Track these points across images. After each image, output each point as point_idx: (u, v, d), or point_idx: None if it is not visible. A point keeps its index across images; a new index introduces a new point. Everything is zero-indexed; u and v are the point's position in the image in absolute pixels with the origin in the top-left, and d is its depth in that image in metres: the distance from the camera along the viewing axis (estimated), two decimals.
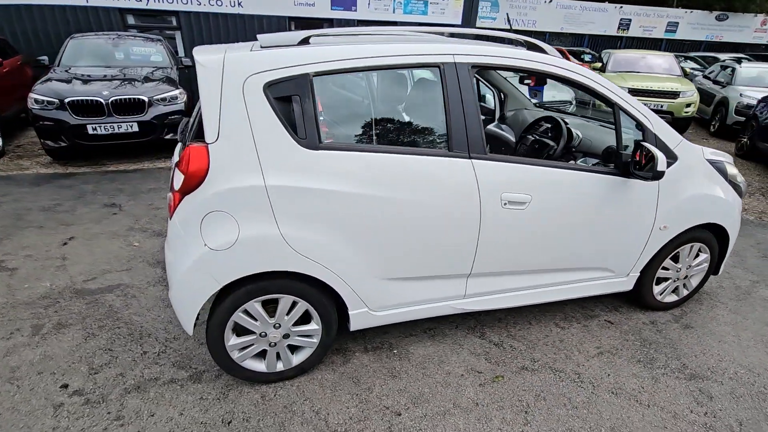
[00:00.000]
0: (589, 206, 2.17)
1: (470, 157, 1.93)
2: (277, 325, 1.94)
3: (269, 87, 1.69)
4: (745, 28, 18.42)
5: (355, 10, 11.21)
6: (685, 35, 18.41)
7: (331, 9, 10.98)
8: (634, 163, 2.08)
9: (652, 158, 1.97)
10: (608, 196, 2.18)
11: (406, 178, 1.87)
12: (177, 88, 5.89)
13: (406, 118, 2.17)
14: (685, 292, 2.76)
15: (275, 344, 1.99)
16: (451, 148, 1.92)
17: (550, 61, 2.03)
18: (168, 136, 5.74)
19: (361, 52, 1.79)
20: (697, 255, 2.64)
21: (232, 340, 1.93)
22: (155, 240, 3.45)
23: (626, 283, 2.54)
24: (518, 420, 1.91)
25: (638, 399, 2.05)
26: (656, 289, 2.65)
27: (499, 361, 2.26)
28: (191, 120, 2.23)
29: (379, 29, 2.14)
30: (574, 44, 17.59)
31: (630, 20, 17.77)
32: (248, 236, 1.72)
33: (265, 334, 1.95)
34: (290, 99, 1.72)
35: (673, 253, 2.54)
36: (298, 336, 2.02)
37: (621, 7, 17.70)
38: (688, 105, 8.04)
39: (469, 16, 12.29)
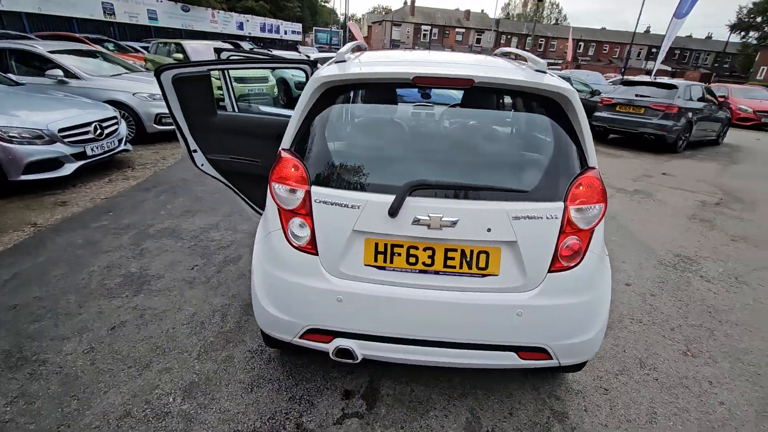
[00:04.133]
0: None
1: None
2: None
3: None
4: (204, 19, 22.58)
5: None
6: (166, 23, 20.08)
7: None
8: None
9: None
10: None
11: None
12: None
13: None
14: None
15: None
16: None
17: None
18: None
19: None
20: None
21: None
22: None
23: None
24: None
25: None
26: None
27: None
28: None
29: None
30: (63, 28, 14.82)
31: (112, 5, 16.98)
32: None
33: None
34: None
35: None
36: None
37: None
38: (274, 86, 10.21)
39: None
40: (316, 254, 1.62)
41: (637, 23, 28.29)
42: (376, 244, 1.59)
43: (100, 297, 2.65)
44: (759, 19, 41.24)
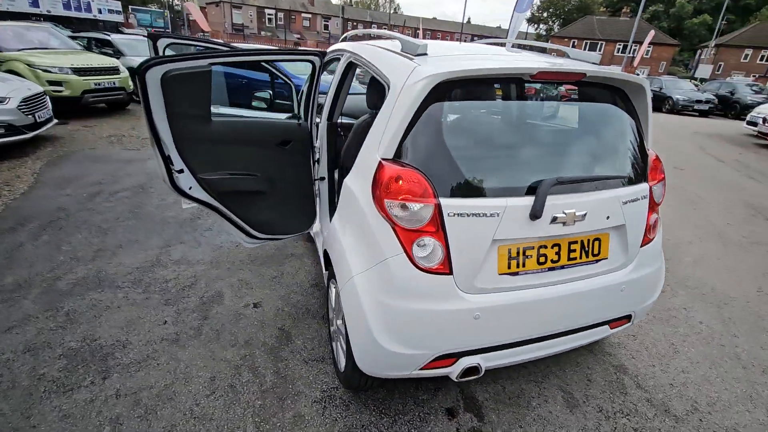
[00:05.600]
0: None
1: None
2: None
3: None
4: None
5: None
6: None
7: None
8: None
9: None
10: None
11: None
12: None
13: None
14: None
15: None
16: None
17: None
18: None
19: None
20: None
21: None
22: None
23: None
24: None
25: None
26: None
27: None
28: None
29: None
30: None
31: None
32: None
33: None
34: None
35: None
36: None
37: None
38: (128, 78, 8.33)
39: None
40: (450, 273, 1.45)
41: (464, 14, 32.28)
42: (509, 250, 1.50)
43: (50, 395, 1.85)
44: (545, 14, 51.90)
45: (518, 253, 1.52)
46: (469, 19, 68.26)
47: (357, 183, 1.60)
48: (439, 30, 54.13)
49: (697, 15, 42.81)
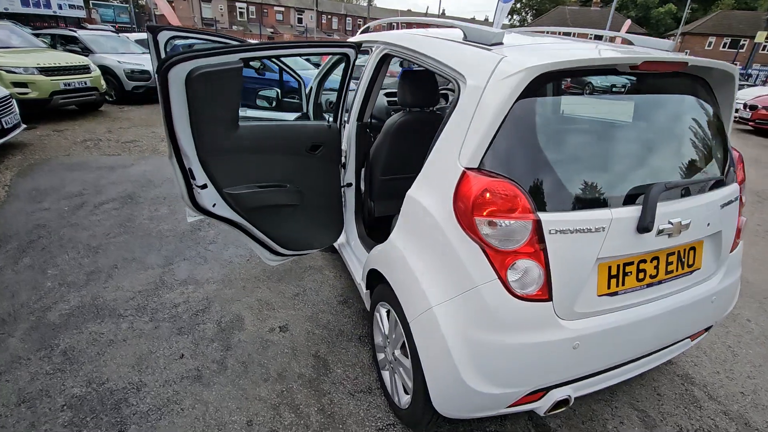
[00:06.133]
0: None
1: None
2: None
3: None
4: None
5: None
6: None
7: None
8: None
9: None
10: None
11: None
12: None
13: None
14: None
15: None
16: None
17: None
18: None
19: None
20: None
21: None
22: None
23: None
24: None
25: None
26: None
27: None
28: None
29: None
30: None
31: None
32: None
33: None
34: None
35: None
36: None
37: None
38: (99, 77, 7.73)
39: None
40: (549, 299, 1.24)
41: (440, 6, 32.18)
42: (609, 268, 1.31)
43: None
44: (518, 5, 52.43)
45: (618, 270, 1.32)
46: (443, 11, 68.10)
47: (430, 196, 1.36)
48: (416, 24, 53.71)
49: (663, 4, 44.02)
